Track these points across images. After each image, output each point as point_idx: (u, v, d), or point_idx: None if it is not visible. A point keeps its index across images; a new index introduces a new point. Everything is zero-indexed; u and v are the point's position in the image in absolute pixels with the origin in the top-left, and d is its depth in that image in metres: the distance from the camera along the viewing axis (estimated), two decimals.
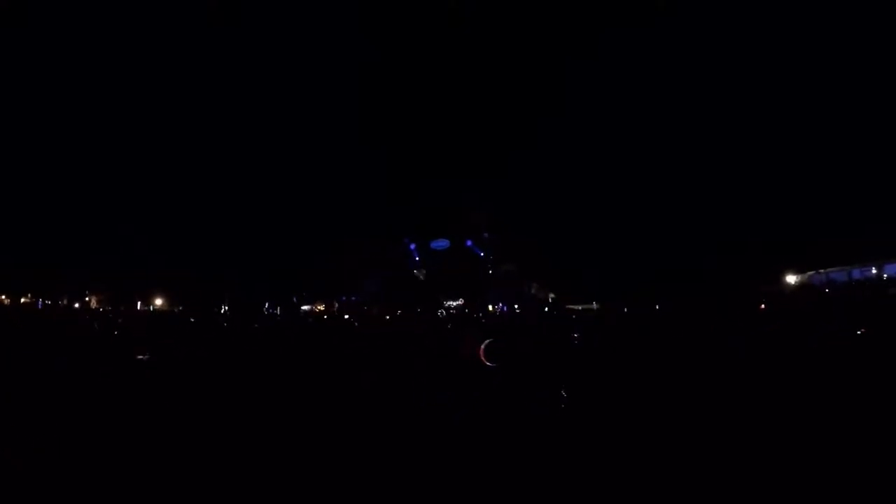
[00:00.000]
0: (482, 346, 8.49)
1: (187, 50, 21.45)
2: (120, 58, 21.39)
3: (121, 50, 21.29)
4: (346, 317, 28.64)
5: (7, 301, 24.01)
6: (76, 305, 25.18)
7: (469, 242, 31.34)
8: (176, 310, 27.11)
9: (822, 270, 25.97)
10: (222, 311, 27.26)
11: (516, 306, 30.20)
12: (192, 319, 24.80)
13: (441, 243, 30.99)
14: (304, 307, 29.70)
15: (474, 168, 27.05)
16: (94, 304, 26.13)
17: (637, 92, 24.27)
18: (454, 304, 30.90)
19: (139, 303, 26.82)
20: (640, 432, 6.01)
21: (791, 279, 26.32)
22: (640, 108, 24.44)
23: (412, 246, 31.43)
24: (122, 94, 22.49)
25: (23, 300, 24.23)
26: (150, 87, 22.74)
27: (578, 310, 29.33)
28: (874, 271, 24.48)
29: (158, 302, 27.52)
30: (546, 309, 29.66)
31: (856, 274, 25.16)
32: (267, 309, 29.12)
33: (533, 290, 30.66)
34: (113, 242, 24.72)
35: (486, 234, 30.85)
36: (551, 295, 29.90)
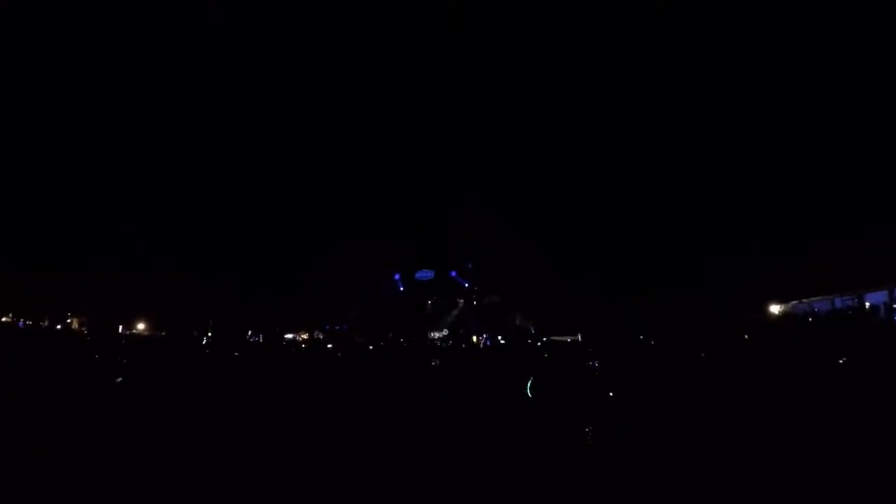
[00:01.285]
0: (527, 383, 8.83)
1: (187, 50, 22.15)
2: (119, 58, 22.09)
3: (120, 50, 21.99)
4: (329, 346, 28.44)
5: None
6: (58, 326, 25.21)
7: (453, 273, 31.51)
8: (158, 334, 27.06)
9: (804, 300, 25.79)
10: (204, 337, 27.18)
11: (500, 338, 29.94)
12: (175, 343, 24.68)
13: (425, 274, 31.16)
14: (287, 335, 29.52)
15: (474, 168, 27.18)
16: (75, 325, 26.17)
17: (637, 92, 24.40)
18: (438, 335, 30.66)
19: (120, 326, 26.81)
20: (634, 435, 6.12)
21: (774, 308, 26.11)
22: (641, 108, 24.52)
23: (396, 276, 31.60)
24: (115, 93, 23.06)
25: (3, 319, 24.31)
26: (149, 87, 23.33)
27: (565, 342, 29.04)
28: (856, 301, 24.30)
29: (140, 326, 27.51)
30: (530, 340, 29.39)
31: (838, 303, 24.96)
32: (250, 336, 29.01)
33: (517, 322, 30.46)
34: (91, 258, 24.94)
35: (469, 265, 31.07)
36: (534, 327, 29.68)
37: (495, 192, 26.76)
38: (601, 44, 22.92)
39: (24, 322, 24.69)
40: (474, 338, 30.11)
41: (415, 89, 24.88)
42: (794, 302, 26.16)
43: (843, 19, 21.05)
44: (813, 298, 25.37)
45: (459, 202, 28.20)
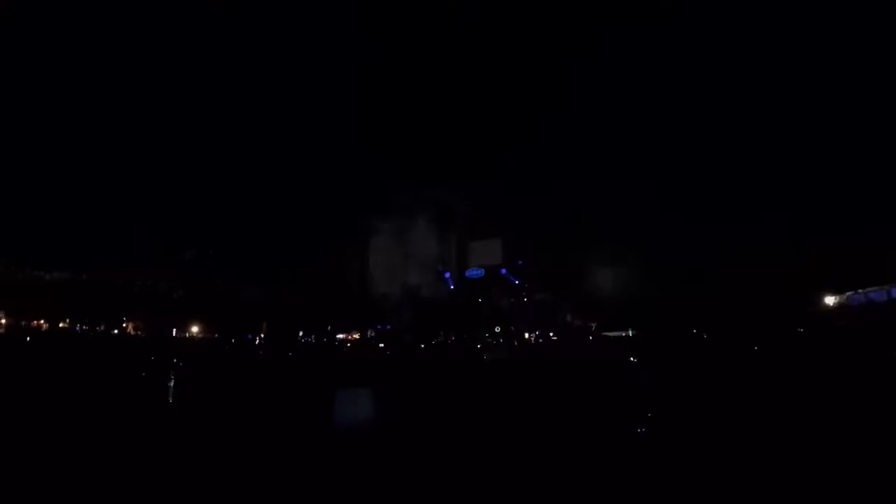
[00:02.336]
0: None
1: (187, 50, 21.86)
2: (120, 57, 21.74)
3: (120, 49, 21.67)
4: (381, 345, 28.21)
5: (44, 326, 23.53)
6: (115, 331, 24.73)
7: (503, 271, 31.39)
8: (212, 336, 26.71)
9: (860, 290, 26.02)
10: (258, 338, 26.88)
11: (552, 334, 29.94)
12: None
13: (475, 272, 31.01)
14: (339, 335, 29.31)
15: (474, 168, 27.09)
16: (130, 329, 25.65)
17: (638, 92, 24.45)
18: (489, 333, 30.50)
19: (174, 329, 26.38)
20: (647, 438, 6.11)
21: (829, 300, 26.35)
22: (641, 108, 24.61)
23: (447, 275, 31.41)
24: (119, 93, 22.71)
25: (61, 325, 23.77)
26: (150, 87, 23.00)
27: (614, 337, 29.11)
28: None
29: (194, 329, 27.07)
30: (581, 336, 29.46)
31: (895, 293, 25.20)
32: (302, 337, 28.75)
33: (568, 318, 30.46)
34: (137, 260, 24.65)
35: (520, 262, 30.99)
36: (591, 324, 29.75)
37: (495, 192, 26.63)
38: (601, 44, 23.03)
39: (81, 327, 24.20)
40: (526, 335, 30.08)
41: (414, 89, 24.72)
42: (850, 292, 26.44)
43: (844, 20, 21.34)
44: (870, 289, 25.65)
45: (459, 202, 28.05)
